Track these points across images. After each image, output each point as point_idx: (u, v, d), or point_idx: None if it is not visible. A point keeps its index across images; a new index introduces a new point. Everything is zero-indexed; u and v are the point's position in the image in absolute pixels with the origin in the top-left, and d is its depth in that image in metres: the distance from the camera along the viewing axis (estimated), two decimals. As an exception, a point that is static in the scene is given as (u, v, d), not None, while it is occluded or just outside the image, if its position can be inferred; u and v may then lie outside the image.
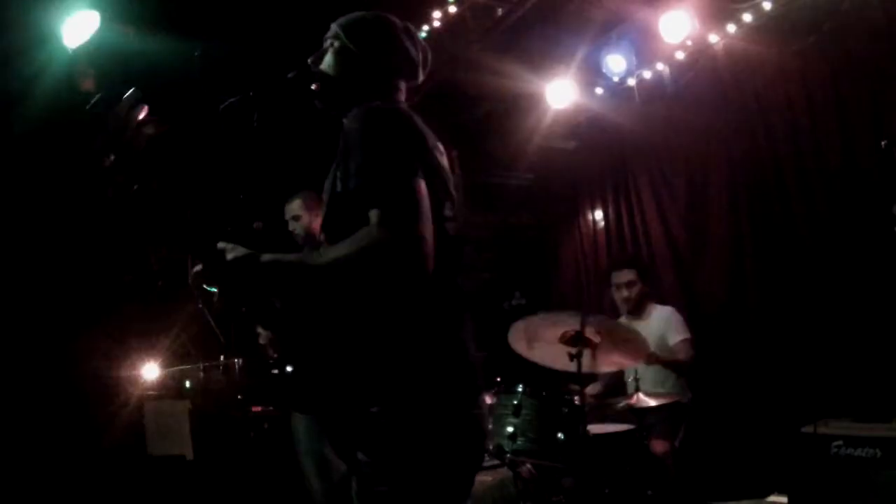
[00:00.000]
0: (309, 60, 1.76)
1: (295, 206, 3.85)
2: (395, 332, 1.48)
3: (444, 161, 1.63)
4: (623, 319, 4.31)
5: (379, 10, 1.81)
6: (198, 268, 1.50)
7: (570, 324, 3.32)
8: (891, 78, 3.60)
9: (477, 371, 1.55)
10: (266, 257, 1.47)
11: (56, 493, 3.54)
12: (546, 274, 6.03)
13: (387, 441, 1.43)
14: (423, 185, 1.45)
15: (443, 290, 1.54)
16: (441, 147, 1.64)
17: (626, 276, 4.21)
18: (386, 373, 1.46)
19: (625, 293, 4.19)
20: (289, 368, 1.53)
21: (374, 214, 1.41)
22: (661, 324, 4.06)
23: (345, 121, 1.76)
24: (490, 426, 3.38)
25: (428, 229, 1.41)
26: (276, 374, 1.56)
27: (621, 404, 3.56)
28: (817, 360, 3.76)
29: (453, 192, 1.63)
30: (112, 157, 1.42)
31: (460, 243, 1.60)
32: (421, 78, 1.85)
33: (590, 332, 3.33)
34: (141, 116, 1.45)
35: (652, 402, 3.44)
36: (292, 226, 3.87)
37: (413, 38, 1.81)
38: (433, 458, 1.43)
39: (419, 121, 1.59)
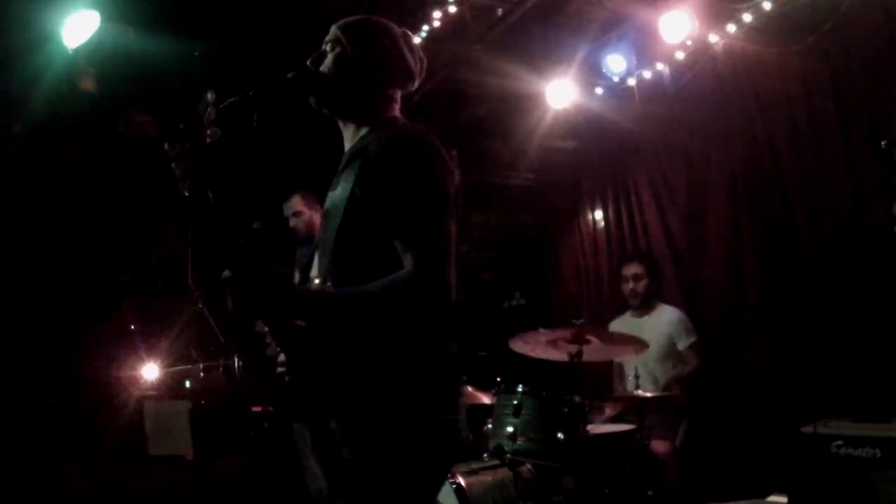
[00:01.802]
0: (308, 62, 1.77)
1: (295, 203, 3.88)
2: (392, 343, 1.55)
3: (456, 175, 1.70)
4: (629, 315, 4.33)
5: (380, 13, 1.82)
6: (226, 275, 1.52)
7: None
8: (891, 78, 3.60)
9: (459, 383, 1.65)
10: (302, 290, 1.57)
11: (56, 492, 3.54)
12: (546, 274, 6.03)
13: (373, 439, 1.51)
14: (452, 226, 1.58)
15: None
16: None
17: (633, 268, 4.29)
18: (380, 378, 1.53)
19: (631, 285, 4.26)
20: (286, 376, 1.58)
21: (409, 259, 1.52)
22: (669, 326, 4.09)
23: (341, 123, 1.77)
24: (490, 426, 3.40)
25: (453, 273, 1.54)
26: (277, 380, 1.60)
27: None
28: (817, 360, 3.76)
29: (459, 209, 1.70)
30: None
31: (458, 261, 1.66)
32: (415, 86, 1.88)
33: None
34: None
35: (651, 399, 3.46)
36: (293, 222, 3.89)
37: (411, 45, 1.84)
38: (414, 456, 1.53)
39: (440, 144, 1.65)
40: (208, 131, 1.52)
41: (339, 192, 1.68)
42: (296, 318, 1.56)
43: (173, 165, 1.52)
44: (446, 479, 1.68)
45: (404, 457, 1.51)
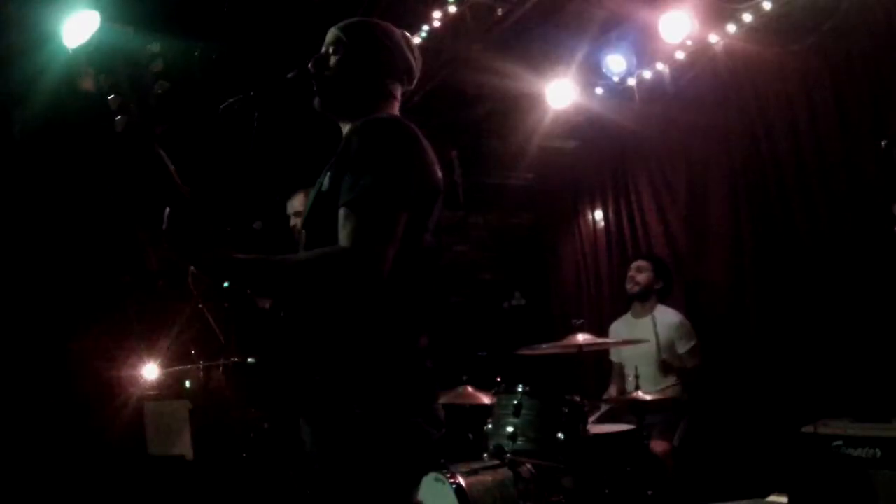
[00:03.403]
0: (309, 65, 1.76)
1: (297, 202, 3.88)
2: (352, 340, 1.52)
3: (439, 172, 1.65)
4: (629, 316, 4.35)
5: (380, 13, 1.83)
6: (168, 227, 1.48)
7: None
8: (891, 78, 3.60)
9: (429, 381, 1.58)
10: (240, 256, 1.48)
11: (56, 492, 3.54)
12: (546, 274, 6.03)
13: (332, 438, 1.48)
14: (404, 213, 1.50)
15: (406, 301, 1.56)
16: (435, 158, 1.66)
17: (640, 263, 4.36)
18: (339, 377, 1.50)
19: (631, 273, 4.33)
20: (250, 361, 1.56)
21: (346, 227, 1.47)
22: (669, 328, 4.09)
23: (342, 125, 1.77)
24: (490, 426, 3.40)
25: (390, 252, 1.46)
26: (246, 373, 1.59)
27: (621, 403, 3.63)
28: (817, 360, 3.76)
29: (440, 204, 1.65)
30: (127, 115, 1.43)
31: (434, 255, 1.63)
32: (413, 85, 1.87)
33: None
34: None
35: (650, 398, 3.46)
36: (294, 221, 3.89)
37: (410, 45, 1.84)
38: (376, 462, 1.46)
39: (420, 135, 1.61)
40: (156, 82, 1.47)
41: (316, 184, 1.70)
42: (220, 275, 1.49)
43: (111, 98, 1.46)
44: (415, 485, 1.57)
45: (362, 459, 1.46)
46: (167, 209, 1.46)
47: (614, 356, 4.39)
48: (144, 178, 1.47)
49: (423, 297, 1.60)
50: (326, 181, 1.59)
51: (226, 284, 1.51)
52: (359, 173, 1.50)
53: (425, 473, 1.62)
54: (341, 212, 1.49)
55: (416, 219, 1.54)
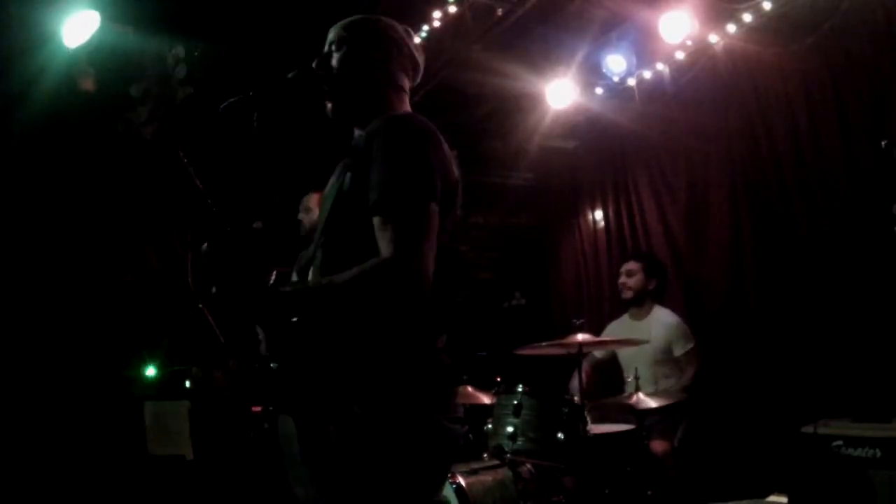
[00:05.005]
0: (313, 65, 1.75)
1: (311, 201, 3.87)
2: (374, 340, 1.51)
3: (456, 170, 1.64)
4: (626, 318, 4.34)
5: (380, 13, 1.82)
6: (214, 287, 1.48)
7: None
8: (891, 78, 3.60)
9: (448, 379, 1.59)
10: (286, 290, 1.49)
11: (57, 493, 3.54)
12: (546, 274, 6.03)
13: (358, 439, 1.46)
14: (436, 209, 1.50)
15: (426, 301, 1.55)
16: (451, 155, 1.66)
17: (629, 265, 4.32)
18: (362, 376, 1.49)
19: (623, 279, 4.30)
20: (273, 366, 1.56)
21: (386, 235, 1.45)
22: (666, 330, 4.08)
23: (357, 130, 1.76)
24: (490, 426, 3.40)
25: (432, 255, 1.47)
26: (264, 372, 1.58)
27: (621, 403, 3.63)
28: (817, 360, 3.76)
29: (458, 204, 1.65)
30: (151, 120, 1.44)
31: (450, 255, 1.63)
32: (417, 81, 1.87)
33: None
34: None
35: (652, 403, 3.46)
36: (302, 216, 3.89)
37: (413, 39, 1.83)
38: (400, 461, 1.46)
39: (438, 132, 1.61)
40: (180, 87, 1.48)
41: (331, 182, 1.70)
42: (272, 315, 1.50)
43: (139, 107, 1.47)
44: (440, 483, 1.58)
45: (389, 460, 1.45)
46: (204, 246, 1.46)
47: (606, 356, 4.38)
48: (163, 182, 1.47)
49: (440, 297, 1.59)
50: (347, 180, 1.57)
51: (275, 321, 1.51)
52: (386, 175, 1.49)
53: (449, 470, 1.62)
54: (376, 219, 1.48)
55: (440, 218, 1.54)
